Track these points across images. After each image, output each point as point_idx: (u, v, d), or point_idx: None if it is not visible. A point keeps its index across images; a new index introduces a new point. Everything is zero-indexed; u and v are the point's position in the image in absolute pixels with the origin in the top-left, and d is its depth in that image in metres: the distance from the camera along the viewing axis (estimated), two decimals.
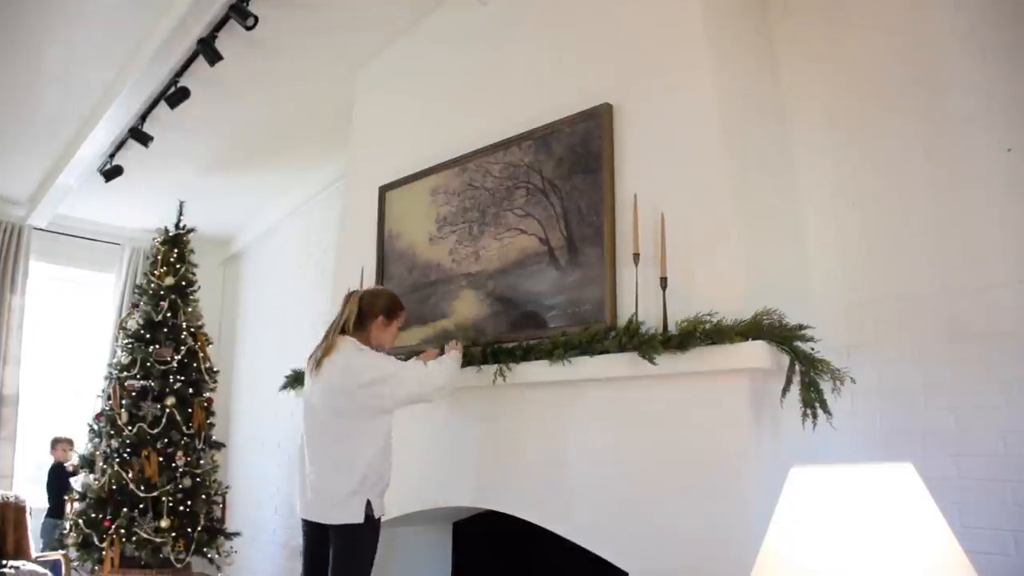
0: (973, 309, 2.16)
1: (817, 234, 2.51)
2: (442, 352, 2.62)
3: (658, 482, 2.15)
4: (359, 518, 2.29)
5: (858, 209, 2.43)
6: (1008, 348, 2.08)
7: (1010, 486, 2.02)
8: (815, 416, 2.00)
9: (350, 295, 2.56)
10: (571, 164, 2.59)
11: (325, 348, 2.44)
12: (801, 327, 2.06)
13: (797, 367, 2.03)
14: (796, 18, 2.68)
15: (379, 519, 2.38)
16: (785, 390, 2.03)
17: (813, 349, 2.09)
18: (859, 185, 2.44)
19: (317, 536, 2.41)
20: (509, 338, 2.60)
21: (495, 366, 2.51)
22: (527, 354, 2.45)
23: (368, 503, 2.31)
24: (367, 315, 2.50)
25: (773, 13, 2.74)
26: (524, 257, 2.68)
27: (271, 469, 4.87)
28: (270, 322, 5.15)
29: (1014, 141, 2.15)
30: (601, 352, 2.25)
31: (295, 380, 3.28)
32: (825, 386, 2.04)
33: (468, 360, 2.62)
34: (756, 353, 1.98)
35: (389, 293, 2.65)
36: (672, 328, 2.12)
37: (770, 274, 2.29)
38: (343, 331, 2.47)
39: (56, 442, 4.66)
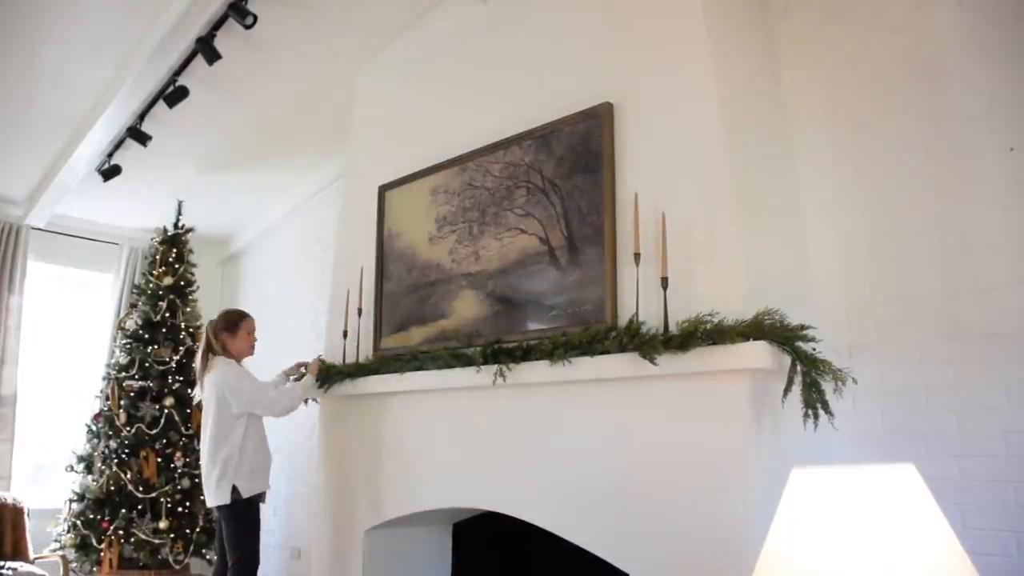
0: (975, 309, 2.15)
1: (818, 234, 2.50)
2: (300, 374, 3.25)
3: (659, 483, 2.14)
4: (226, 499, 2.94)
5: (859, 209, 2.42)
6: (1010, 348, 2.07)
7: (1012, 487, 2.02)
8: (816, 416, 2.00)
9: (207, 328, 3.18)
10: (571, 163, 2.58)
11: (203, 367, 3.09)
12: (803, 327, 2.05)
13: (799, 367, 2.02)
14: (797, 17, 2.67)
15: (249, 499, 2.97)
16: (787, 390, 2.02)
17: (815, 349, 2.08)
18: (861, 184, 2.43)
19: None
20: (509, 338, 2.59)
21: (495, 366, 2.50)
22: (527, 354, 2.44)
23: (234, 487, 2.93)
24: (216, 338, 3.10)
25: (774, 12, 2.73)
26: (524, 257, 2.67)
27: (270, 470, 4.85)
28: (269, 322, 5.11)
29: (1016, 140, 2.14)
30: (601, 352, 2.24)
31: (303, 377, 3.29)
32: (827, 387, 2.03)
33: (467, 360, 2.61)
34: (757, 353, 1.97)
35: (225, 312, 3.24)
36: (673, 328, 2.11)
37: (771, 274, 2.28)
38: (214, 352, 3.09)
39: None
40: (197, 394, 3.18)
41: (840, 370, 2.06)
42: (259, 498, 3.03)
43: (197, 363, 3.13)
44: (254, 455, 3.02)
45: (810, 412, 1.99)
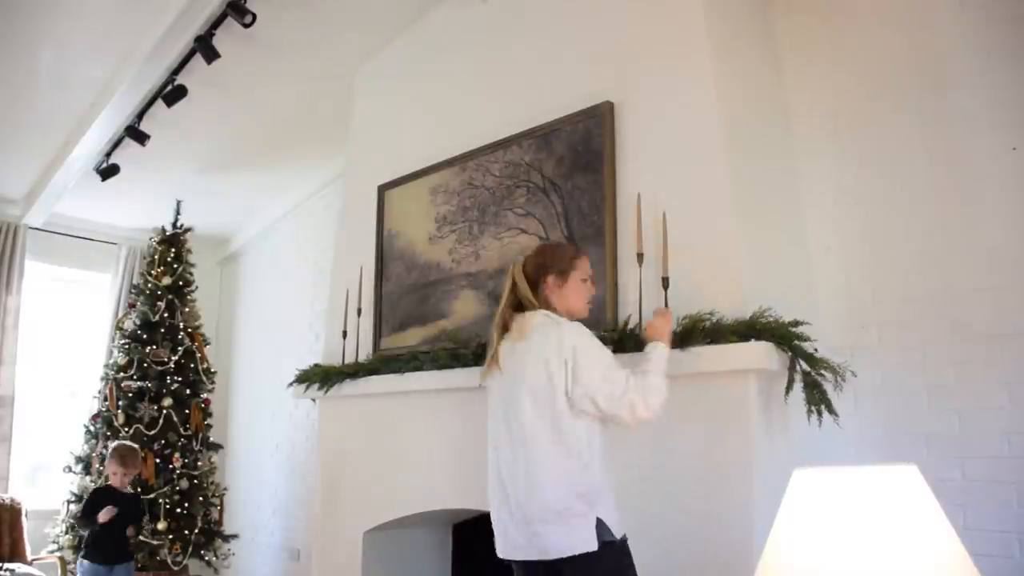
0: (977, 310, 2.14)
1: (819, 234, 2.49)
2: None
3: (659, 484, 2.13)
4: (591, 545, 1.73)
5: (861, 209, 2.42)
6: (1012, 349, 2.07)
7: (1014, 488, 2.01)
8: (820, 414, 1.99)
9: (512, 267, 1.99)
10: (572, 163, 2.57)
11: (501, 332, 1.94)
12: (797, 323, 2.03)
13: (799, 367, 2.01)
14: (798, 17, 2.67)
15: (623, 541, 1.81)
16: (787, 390, 2.01)
17: (815, 350, 2.07)
18: (862, 185, 2.43)
19: None
20: None
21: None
22: None
23: (599, 522, 1.75)
24: (534, 286, 1.93)
25: (775, 12, 2.73)
26: None
27: (269, 471, 4.84)
28: (268, 322, 5.13)
29: (1019, 141, 2.14)
30: None
31: (303, 377, 3.26)
32: (828, 386, 2.03)
33: (467, 360, 2.60)
34: (758, 354, 1.96)
35: (555, 244, 2.14)
36: (674, 328, 2.10)
37: (772, 275, 2.28)
38: (522, 307, 1.94)
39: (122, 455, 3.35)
40: (496, 372, 1.95)
41: (839, 366, 2.05)
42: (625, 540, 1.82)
43: (494, 329, 1.97)
44: (608, 471, 1.85)
45: (814, 410, 1.99)
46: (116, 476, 3.28)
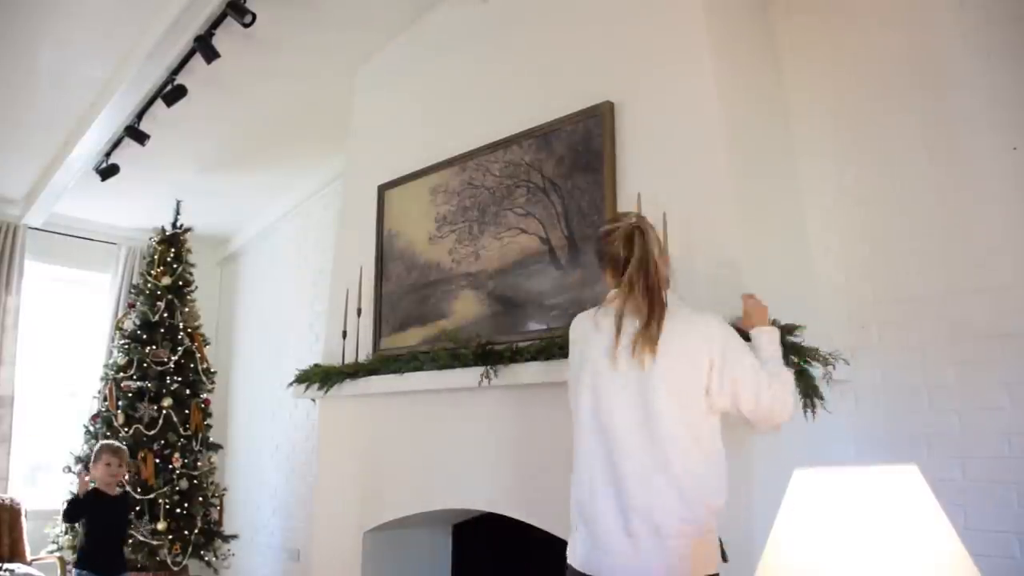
0: (977, 310, 2.14)
1: (820, 234, 2.49)
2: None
3: None
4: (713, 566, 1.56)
5: (861, 209, 2.41)
6: (1013, 349, 2.07)
7: (1015, 488, 2.01)
8: (813, 407, 1.97)
9: (631, 231, 1.68)
10: (572, 163, 2.57)
11: (651, 322, 1.60)
12: (794, 326, 2.02)
13: (791, 359, 2.00)
14: (798, 17, 2.67)
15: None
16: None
17: (816, 349, 2.06)
18: (862, 185, 2.42)
19: None
20: (509, 339, 2.58)
21: (484, 367, 2.50)
22: (515, 356, 2.44)
23: (721, 543, 1.60)
24: (657, 268, 1.66)
25: (775, 12, 2.73)
26: (524, 257, 2.66)
27: (269, 471, 4.84)
28: (268, 322, 5.13)
29: (1019, 141, 2.14)
30: None
31: (303, 378, 3.25)
32: (822, 380, 2.01)
33: (467, 360, 2.59)
34: None
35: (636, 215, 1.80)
36: None
37: (773, 274, 2.27)
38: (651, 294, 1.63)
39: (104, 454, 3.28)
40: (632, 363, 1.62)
41: (829, 354, 2.03)
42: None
43: (623, 314, 1.63)
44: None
45: (807, 402, 1.96)
46: (110, 467, 3.24)
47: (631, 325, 1.61)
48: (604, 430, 1.63)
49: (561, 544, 2.35)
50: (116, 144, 3.95)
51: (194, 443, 4.22)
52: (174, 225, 4.57)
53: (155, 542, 3.90)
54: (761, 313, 1.77)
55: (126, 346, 4.26)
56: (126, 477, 3.76)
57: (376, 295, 3.21)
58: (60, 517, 3.54)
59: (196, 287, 4.57)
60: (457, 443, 2.73)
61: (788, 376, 1.67)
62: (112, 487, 3.29)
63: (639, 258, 1.63)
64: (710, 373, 1.58)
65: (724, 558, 1.60)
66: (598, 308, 1.72)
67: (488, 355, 2.52)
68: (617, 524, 1.58)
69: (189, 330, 4.40)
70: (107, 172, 4.08)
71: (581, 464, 1.67)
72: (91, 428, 4.24)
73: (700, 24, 2.35)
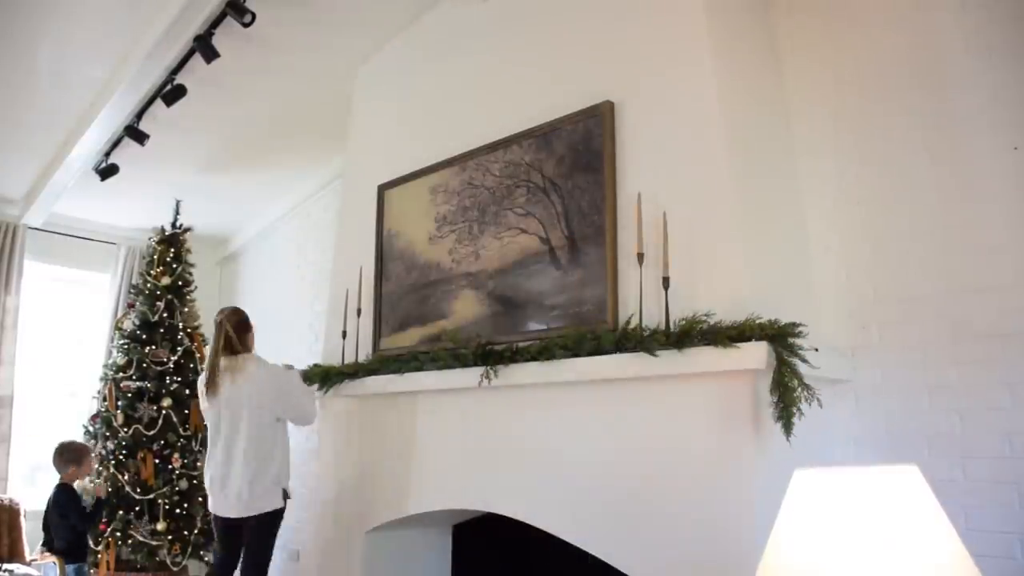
0: (978, 310, 2.14)
1: (820, 234, 2.49)
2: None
3: (660, 485, 2.12)
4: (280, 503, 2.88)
5: (862, 209, 2.41)
6: (1014, 349, 2.06)
7: (1016, 489, 2.00)
8: (788, 418, 1.92)
9: (219, 322, 2.97)
10: (572, 162, 2.56)
11: (230, 365, 2.89)
12: (795, 325, 2.00)
13: (780, 368, 1.98)
14: (799, 17, 2.66)
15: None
16: (771, 390, 1.98)
17: (817, 349, 2.06)
18: (863, 185, 2.42)
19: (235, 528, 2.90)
20: (509, 339, 2.58)
21: (484, 368, 2.50)
22: (515, 356, 2.44)
23: (284, 491, 2.89)
24: (238, 335, 2.95)
25: (776, 12, 2.72)
26: (524, 256, 2.65)
27: None
28: (267, 322, 5.10)
29: (1020, 140, 2.13)
30: (592, 353, 2.24)
31: (303, 377, 3.24)
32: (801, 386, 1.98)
33: (467, 361, 2.60)
34: (757, 354, 1.95)
35: (235, 309, 3.09)
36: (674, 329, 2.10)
37: (773, 275, 2.27)
38: (232, 350, 2.92)
39: (64, 453, 3.69)
40: (219, 393, 2.89)
41: (815, 349, 1.99)
42: None
43: (212, 362, 2.92)
44: (288, 456, 2.99)
45: (783, 413, 1.92)
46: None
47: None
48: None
49: (562, 545, 2.35)
50: (116, 144, 3.95)
51: (194, 443, 4.22)
52: (174, 225, 4.57)
53: (155, 542, 3.89)
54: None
55: (125, 346, 4.26)
56: (139, 475, 4.01)
57: (376, 295, 3.21)
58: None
59: (196, 287, 4.57)
60: (457, 443, 2.73)
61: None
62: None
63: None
64: (277, 399, 2.97)
65: (287, 498, 2.92)
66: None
67: (488, 355, 2.52)
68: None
69: (189, 330, 4.40)
70: (107, 172, 4.08)
71: None
72: (91, 428, 4.23)
73: (701, 24, 2.35)
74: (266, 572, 2.90)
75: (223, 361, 2.89)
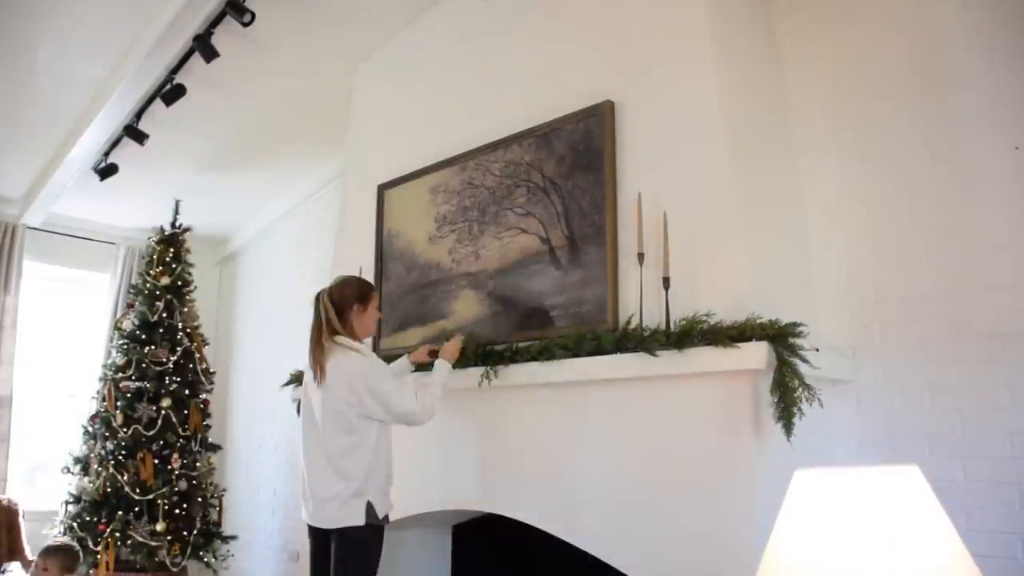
0: (979, 309, 2.13)
1: (821, 234, 2.48)
2: (435, 354, 2.59)
3: (660, 485, 2.12)
4: (360, 520, 2.26)
5: (863, 208, 2.41)
6: (1015, 349, 2.06)
7: (1017, 489, 2.00)
8: (789, 419, 1.92)
9: (318, 296, 2.45)
10: (572, 162, 2.56)
11: (317, 354, 2.36)
12: (795, 325, 2.00)
13: (781, 368, 1.97)
14: (800, 16, 2.66)
15: (383, 520, 2.33)
16: (772, 390, 1.97)
17: (818, 350, 2.06)
18: (864, 184, 2.42)
19: (320, 541, 2.39)
20: (508, 339, 2.57)
21: (483, 368, 2.50)
22: (515, 356, 2.43)
23: (369, 504, 2.27)
24: (342, 308, 2.40)
25: (776, 10, 2.72)
26: (525, 256, 2.65)
27: (268, 472, 4.83)
28: (267, 322, 5.12)
29: (1021, 140, 2.13)
30: (591, 353, 2.23)
31: (298, 379, 3.24)
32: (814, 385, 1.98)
33: (464, 363, 2.59)
34: (757, 354, 1.95)
35: (355, 279, 2.54)
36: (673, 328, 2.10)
37: (774, 275, 2.27)
38: (327, 332, 2.38)
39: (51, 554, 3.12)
40: (306, 387, 2.44)
41: (816, 349, 1.99)
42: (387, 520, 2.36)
43: (309, 347, 2.39)
44: (388, 465, 2.38)
45: (783, 415, 1.91)
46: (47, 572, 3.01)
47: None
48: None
49: (561, 545, 2.34)
50: (115, 143, 3.95)
51: (193, 443, 4.21)
52: (173, 225, 4.56)
53: (154, 543, 3.89)
54: (451, 349, 2.58)
55: (125, 346, 4.25)
56: (138, 475, 3.86)
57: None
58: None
59: (195, 287, 4.56)
60: (457, 443, 2.72)
61: (428, 392, 2.40)
62: None
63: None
64: (363, 397, 2.33)
65: (373, 515, 2.30)
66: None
67: (488, 355, 2.52)
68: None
69: (188, 330, 4.39)
70: (106, 172, 4.07)
71: None
72: (90, 429, 4.23)
73: (701, 23, 2.34)
74: None
75: (316, 349, 2.36)
